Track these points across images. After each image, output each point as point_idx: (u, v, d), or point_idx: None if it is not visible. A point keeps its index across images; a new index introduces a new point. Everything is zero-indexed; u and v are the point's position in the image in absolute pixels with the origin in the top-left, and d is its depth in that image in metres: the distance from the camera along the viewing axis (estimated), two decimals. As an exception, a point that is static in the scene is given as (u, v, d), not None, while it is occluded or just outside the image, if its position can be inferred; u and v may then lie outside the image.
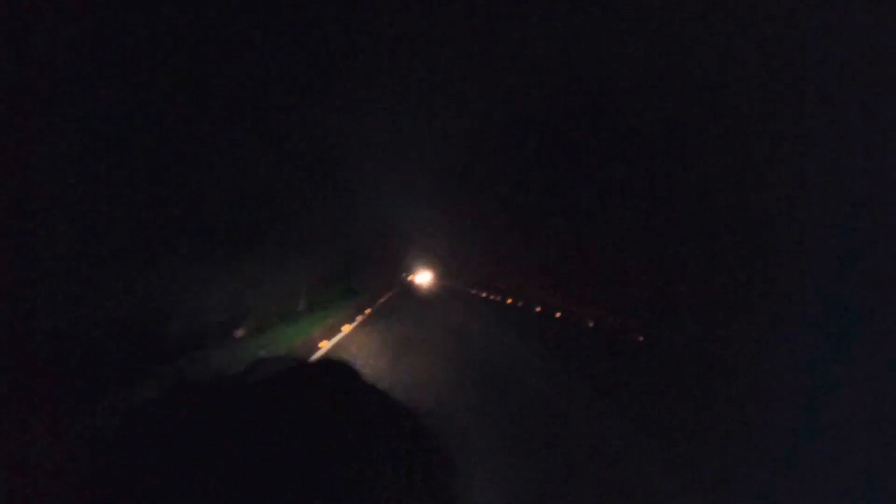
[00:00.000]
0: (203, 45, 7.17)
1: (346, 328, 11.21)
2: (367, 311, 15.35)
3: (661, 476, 4.09)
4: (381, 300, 20.44)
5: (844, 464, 4.12)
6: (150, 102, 6.47)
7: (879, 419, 4.48)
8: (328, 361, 0.45)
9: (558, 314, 15.85)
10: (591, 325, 13.32)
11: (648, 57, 9.53)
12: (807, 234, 6.96)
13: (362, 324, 12.51)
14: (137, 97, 6.22)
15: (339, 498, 0.36)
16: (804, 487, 3.77)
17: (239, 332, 9.47)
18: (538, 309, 17.73)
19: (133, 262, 6.54)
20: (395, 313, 15.62)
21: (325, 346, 8.89)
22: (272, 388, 0.41)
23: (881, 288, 5.73)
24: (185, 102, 7.13)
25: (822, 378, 5.23)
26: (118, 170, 6.13)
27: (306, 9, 10.15)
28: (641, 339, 10.76)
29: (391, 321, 13.25)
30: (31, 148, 4.90)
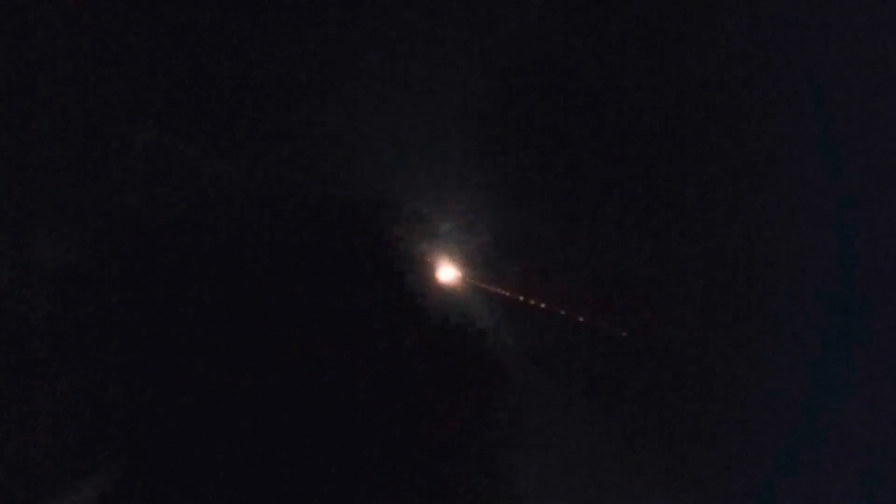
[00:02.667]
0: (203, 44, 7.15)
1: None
2: None
3: (661, 476, 4.09)
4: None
5: (844, 464, 4.11)
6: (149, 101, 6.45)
7: (879, 419, 4.48)
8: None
9: (558, 312, 15.78)
10: (584, 321, 13.20)
11: (646, 55, 9.49)
12: (806, 233, 6.95)
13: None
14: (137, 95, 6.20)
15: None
16: (804, 487, 3.77)
17: None
18: (539, 307, 17.75)
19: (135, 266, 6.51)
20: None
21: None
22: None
23: (881, 288, 5.72)
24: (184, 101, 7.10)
25: (821, 378, 5.23)
26: (117, 170, 6.11)
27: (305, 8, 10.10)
28: (624, 334, 10.61)
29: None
30: (30, 146, 4.89)
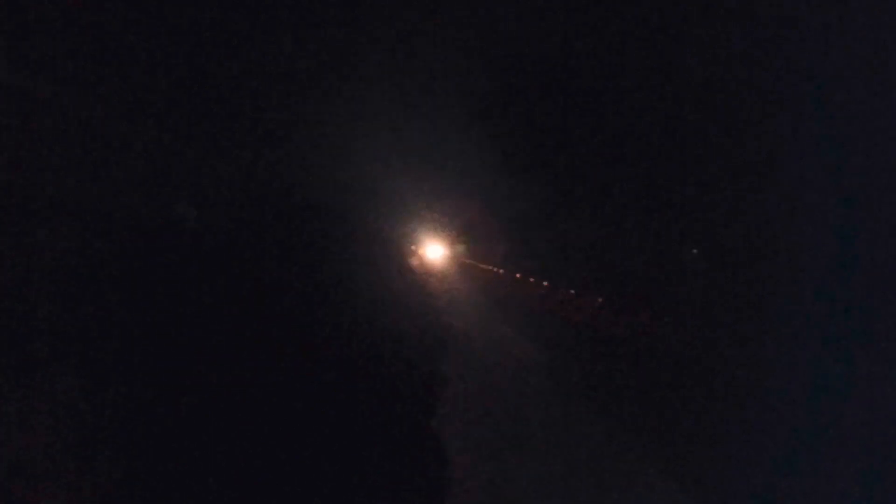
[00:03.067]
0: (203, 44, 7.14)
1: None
2: None
3: (661, 476, 4.09)
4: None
5: (844, 464, 4.11)
6: (150, 101, 6.45)
7: (879, 419, 4.47)
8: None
9: (558, 312, 15.74)
10: (584, 321, 13.15)
11: (648, 55, 9.48)
12: (807, 234, 6.95)
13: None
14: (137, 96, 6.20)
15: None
16: (804, 487, 3.77)
17: None
18: (539, 308, 17.67)
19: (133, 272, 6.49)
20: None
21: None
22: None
23: (881, 288, 5.72)
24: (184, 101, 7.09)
25: (821, 378, 5.22)
26: (118, 171, 6.11)
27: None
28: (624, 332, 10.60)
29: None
30: (31, 147, 4.89)
